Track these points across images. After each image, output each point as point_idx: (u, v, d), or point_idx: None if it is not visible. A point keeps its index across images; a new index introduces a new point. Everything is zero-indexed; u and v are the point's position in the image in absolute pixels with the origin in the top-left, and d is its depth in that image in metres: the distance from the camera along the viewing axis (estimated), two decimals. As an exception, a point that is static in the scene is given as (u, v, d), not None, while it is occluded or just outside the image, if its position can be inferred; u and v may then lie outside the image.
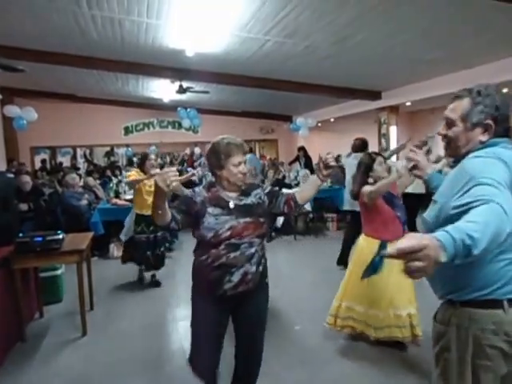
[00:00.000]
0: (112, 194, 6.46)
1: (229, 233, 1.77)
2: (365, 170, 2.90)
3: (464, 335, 1.30)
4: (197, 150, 12.41)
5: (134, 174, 4.23)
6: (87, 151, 14.13)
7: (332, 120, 10.58)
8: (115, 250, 5.71)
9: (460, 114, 1.40)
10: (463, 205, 1.15)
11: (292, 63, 5.79)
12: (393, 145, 8.18)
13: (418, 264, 0.92)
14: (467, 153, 1.36)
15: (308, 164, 8.88)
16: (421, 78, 6.61)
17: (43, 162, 11.34)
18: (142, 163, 4.26)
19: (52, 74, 7.20)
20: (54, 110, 10.02)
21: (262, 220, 1.87)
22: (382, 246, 2.68)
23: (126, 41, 5.13)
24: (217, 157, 1.83)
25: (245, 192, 1.90)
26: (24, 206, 5.28)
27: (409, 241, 0.93)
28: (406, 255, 0.93)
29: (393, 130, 8.11)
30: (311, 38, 4.69)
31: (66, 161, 13.22)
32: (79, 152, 13.90)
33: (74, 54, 5.74)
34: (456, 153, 1.41)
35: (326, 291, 4.06)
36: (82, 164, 13.56)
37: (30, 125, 7.83)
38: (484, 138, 1.35)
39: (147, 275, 4.55)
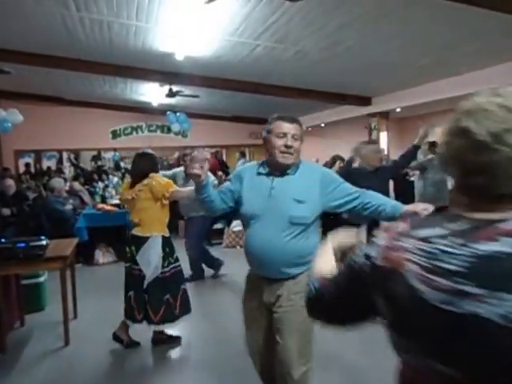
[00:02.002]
0: (98, 199, 6.34)
1: None
2: None
3: None
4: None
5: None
6: (72, 155, 13.91)
7: (322, 125, 10.62)
8: (100, 257, 5.59)
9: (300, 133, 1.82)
10: (347, 195, 1.81)
11: (282, 68, 5.79)
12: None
13: None
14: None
15: None
16: (410, 85, 6.68)
17: (27, 165, 11.08)
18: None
19: (38, 76, 7.07)
20: (40, 112, 9.84)
21: None
22: None
23: (114, 43, 5.06)
24: None
25: None
26: (7, 211, 5.14)
27: None
28: None
29: (383, 136, 8.17)
30: (302, 43, 4.69)
31: (51, 165, 12.98)
32: (65, 156, 13.67)
33: (61, 56, 5.64)
34: (296, 161, 1.81)
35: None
36: (67, 168, 13.33)
37: (15, 127, 7.65)
38: None
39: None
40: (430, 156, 5.48)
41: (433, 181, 5.18)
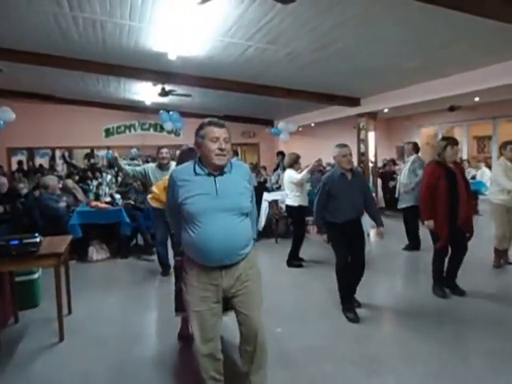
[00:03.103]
0: (92, 197, 6.37)
1: None
2: None
3: None
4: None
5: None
6: (66, 153, 13.83)
7: (313, 125, 10.73)
8: (94, 254, 5.63)
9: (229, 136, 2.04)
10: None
11: (274, 69, 5.87)
12: (371, 149, 8.38)
13: None
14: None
15: (284, 170, 8.95)
16: (398, 86, 6.81)
17: (20, 163, 11.03)
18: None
19: (31, 74, 7.06)
20: (33, 110, 9.81)
21: None
22: None
23: (107, 43, 5.09)
24: None
25: None
26: (0, 209, 5.14)
27: None
28: None
29: (371, 136, 8.32)
30: (293, 45, 4.77)
31: (44, 162, 12.90)
32: (58, 153, 13.59)
33: (54, 54, 5.65)
34: (227, 161, 2.02)
35: (307, 293, 4.14)
36: (60, 166, 13.26)
37: (7, 125, 7.63)
38: None
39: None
40: (413, 157, 5.61)
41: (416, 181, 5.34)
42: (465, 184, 3.71)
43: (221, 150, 1.95)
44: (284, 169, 8.84)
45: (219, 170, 2.00)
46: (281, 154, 9.20)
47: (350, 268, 3.52)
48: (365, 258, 3.52)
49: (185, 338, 3.04)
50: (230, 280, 2.02)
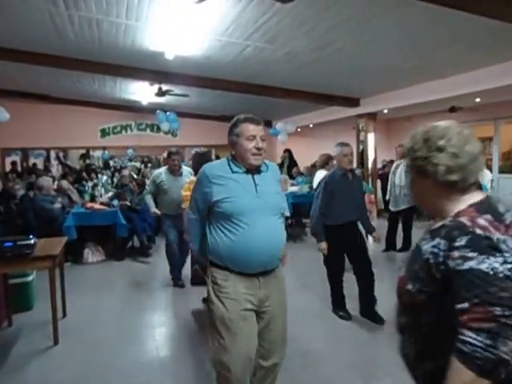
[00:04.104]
0: (87, 198, 6.30)
1: None
2: None
3: None
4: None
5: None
6: (61, 153, 13.75)
7: (311, 126, 10.70)
8: (90, 256, 5.56)
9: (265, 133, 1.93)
10: None
11: (272, 69, 5.83)
12: (370, 151, 8.36)
13: None
14: None
15: (290, 167, 8.93)
16: (397, 87, 6.79)
17: (13, 164, 10.91)
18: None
19: (26, 74, 6.97)
20: (27, 110, 9.71)
21: None
22: None
23: (103, 42, 5.03)
24: None
25: None
26: (-7, 210, 5.08)
27: None
28: None
29: (370, 137, 8.29)
30: (291, 45, 4.74)
31: (38, 163, 12.81)
32: (53, 154, 13.51)
33: (49, 53, 5.58)
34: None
35: (304, 296, 4.10)
36: (55, 166, 13.17)
37: (1, 125, 7.55)
38: None
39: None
40: (399, 161, 5.70)
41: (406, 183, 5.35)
42: None
43: (258, 149, 1.83)
44: (288, 168, 8.84)
45: (256, 169, 1.89)
46: (288, 151, 9.12)
47: (358, 277, 3.45)
48: (370, 260, 3.47)
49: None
50: (265, 290, 1.87)
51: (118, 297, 4.22)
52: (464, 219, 0.96)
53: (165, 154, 13.17)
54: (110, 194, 6.48)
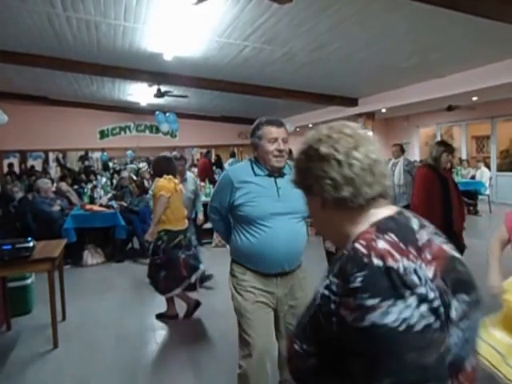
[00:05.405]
0: (86, 200, 6.28)
1: None
2: None
3: None
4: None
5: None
6: (60, 155, 13.73)
7: (310, 125, 10.69)
8: (89, 258, 5.54)
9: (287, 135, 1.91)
10: None
11: (270, 69, 5.82)
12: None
13: None
14: None
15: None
16: (395, 86, 6.80)
17: (10, 166, 10.85)
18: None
19: (24, 76, 6.96)
20: (26, 112, 9.70)
21: None
22: None
23: (102, 43, 5.02)
24: None
25: None
26: (-8, 212, 5.06)
27: None
28: None
29: (369, 136, 8.31)
30: (289, 45, 4.73)
31: (37, 165, 12.78)
32: (51, 156, 13.48)
33: (47, 55, 5.58)
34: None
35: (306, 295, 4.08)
36: (54, 168, 13.14)
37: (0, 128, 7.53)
38: None
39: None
40: (402, 158, 5.82)
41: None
42: (456, 191, 3.64)
43: (279, 151, 1.83)
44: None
45: (279, 171, 1.89)
46: (289, 151, 9.21)
47: None
48: None
49: (168, 317, 3.50)
50: (284, 289, 1.90)
51: (118, 299, 4.20)
52: (359, 245, 0.69)
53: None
54: (109, 195, 6.46)
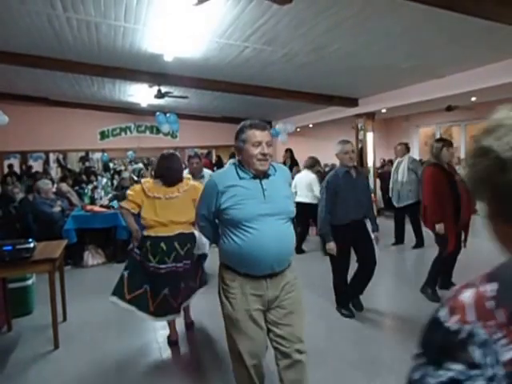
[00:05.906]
0: (87, 201, 6.28)
1: None
2: None
3: None
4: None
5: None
6: (60, 156, 13.74)
7: (310, 126, 10.70)
8: (90, 258, 5.54)
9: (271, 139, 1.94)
10: None
11: (271, 70, 5.83)
12: (369, 150, 8.36)
13: None
14: None
15: (291, 167, 8.95)
16: (396, 86, 6.80)
17: (10, 166, 10.85)
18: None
19: (24, 77, 6.97)
20: (26, 113, 9.71)
21: None
22: None
23: (102, 44, 5.02)
24: None
25: None
26: (-8, 213, 5.07)
27: None
28: None
29: (369, 136, 8.32)
30: (289, 46, 4.73)
31: (37, 166, 12.78)
32: (52, 157, 13.49)
33: (47, 56, 5.57)
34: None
35: (307, 294, 4.07)
36: (54, 169, 13.15)
37: (0, 129, 7.54)
38: None
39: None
40: (408, 156, 5.93)
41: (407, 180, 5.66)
42: (462, 183, 3.67)
43: (263, 154, 1.84)
44: (290, 168, 8.89)
45: (264, 174, 1.90)
46: (289, 150, 9.26)
47: (360, 269, 3.46)
48: (375, 258, 3.45)
49: (174, 342, 3.12)
50: (275, 291, 1.90)
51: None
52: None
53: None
54: (110, 196, 6.46)
